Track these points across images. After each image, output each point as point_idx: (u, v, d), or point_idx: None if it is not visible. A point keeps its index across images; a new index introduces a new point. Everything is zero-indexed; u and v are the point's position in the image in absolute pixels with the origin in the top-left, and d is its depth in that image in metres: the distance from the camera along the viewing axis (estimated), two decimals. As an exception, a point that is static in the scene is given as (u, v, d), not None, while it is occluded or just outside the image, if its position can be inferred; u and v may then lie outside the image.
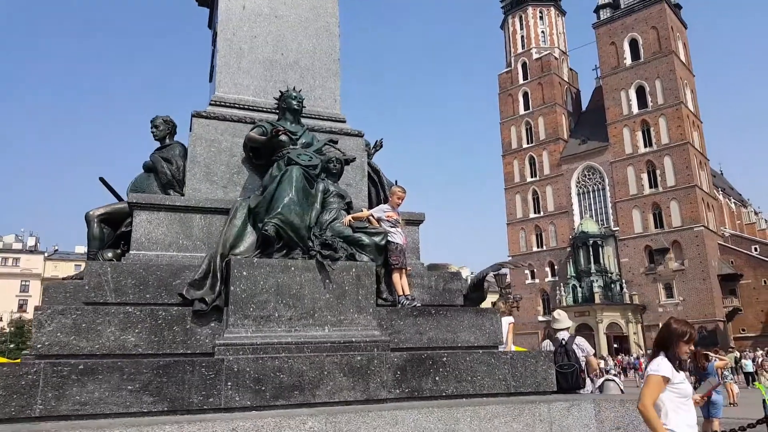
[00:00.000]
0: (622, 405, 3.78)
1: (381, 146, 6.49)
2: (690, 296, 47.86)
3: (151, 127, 5.46)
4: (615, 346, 46.72)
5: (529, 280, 56.87)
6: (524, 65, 60.76)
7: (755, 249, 53.55)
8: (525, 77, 60.47)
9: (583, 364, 5.07)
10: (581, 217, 53.88)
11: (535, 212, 57.65)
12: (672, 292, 49.07)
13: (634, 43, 54.07)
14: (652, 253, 50.26)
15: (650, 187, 51.20)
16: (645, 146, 51.89)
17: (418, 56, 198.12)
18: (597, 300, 48.69)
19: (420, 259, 5.59)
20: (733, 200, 67.11)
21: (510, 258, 58.89)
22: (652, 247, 50.14)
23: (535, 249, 56.95)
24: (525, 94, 60.17)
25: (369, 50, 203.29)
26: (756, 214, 74.75)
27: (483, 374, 4.05)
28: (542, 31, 61.10)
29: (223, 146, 4.87)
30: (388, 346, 3.94)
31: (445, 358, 3.99)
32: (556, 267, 54.93)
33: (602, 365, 34.31)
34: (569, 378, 4.62)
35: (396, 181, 6.16)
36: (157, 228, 4.33)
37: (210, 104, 5.09)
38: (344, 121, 5.42)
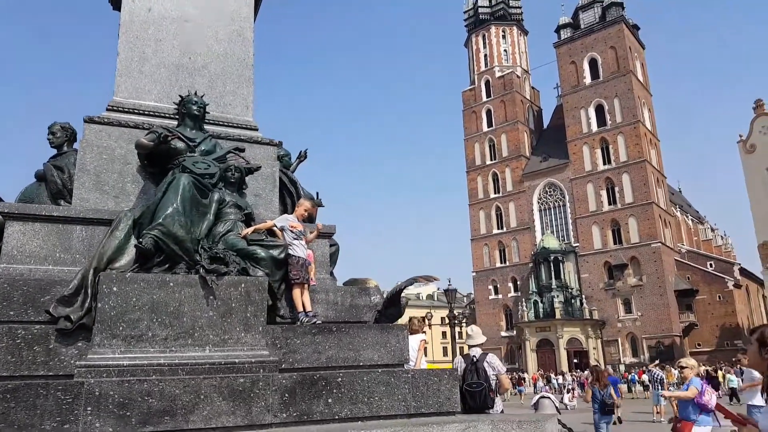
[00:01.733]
0: (520, 426, 3.59)
1: (305, 157, 6.28)
2: (648, 311, 48.88)
3: (48, 134, 5.16)
4: (575, 361, 47.24)
5: (493, 296, 57.29)
6: (487, 83, 61.90)
7: (710, 265, 55.18)
8: (488, 95, 61.58)
9: (493, 382, 4.89)
10: (543, 233, 54.72)
11: (498, 228, 58.31)
12: (630, 307, 50.04)
13: (593, 63, 55.70)
14: (611, 269, 51.28)
15: (609, 203, 52.43)
16: (604, 163, 53.23)
17: (384, 71, 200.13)
18: (558, 315, 49.29)
19: (332, 273, 5.37)
20: (690, 217, 69.22)
21: (474, 274, 59.31)
22: (611, 262, 51.18)
23: (498, 264, 57.47)
24: (488, 112, 61.21)
25: (333, 65, 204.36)
26: (712, 230, 77.19)
27: (381, 395, 3.81)
28: (505, 50, 62.45)
29: (116, 154, 4.57)
30: (276, 367, 3.67)
31: (339, 379, 3.74)
32: (518, 282, 55.47)
33: (561, 380, 34.52)
34: (477, 397, 4.42)
35: (317, 194, 5.95)
36: (32, 240, 3.99)
37: (106, 109, 4.80)
38: (256, 129, 5.18)
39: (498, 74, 61.22)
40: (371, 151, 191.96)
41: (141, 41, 5.04)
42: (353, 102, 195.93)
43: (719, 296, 50.74)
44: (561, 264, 51.70)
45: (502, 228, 58.09)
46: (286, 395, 3.55)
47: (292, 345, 3.90)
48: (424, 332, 5.70)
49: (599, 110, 54.43)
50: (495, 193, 59.04)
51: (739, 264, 55.73)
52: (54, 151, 5.19)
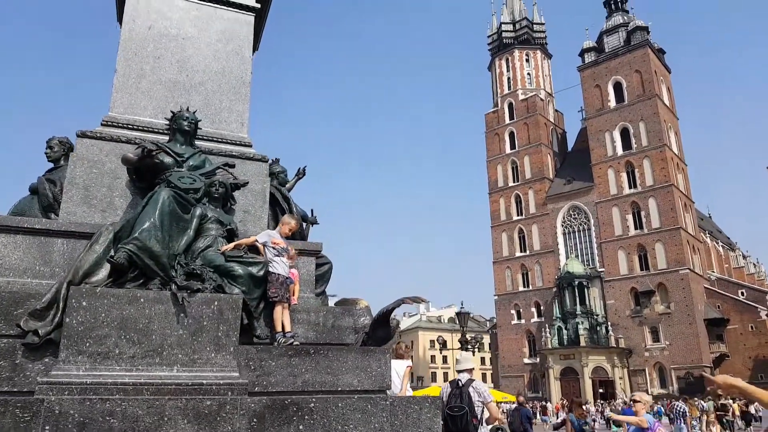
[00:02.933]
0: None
1: (303, 174, 6.23)
2: (676, 340, 47.26)
3: (46, 148, 5.22)
4: (600, 390, 45.71)
5: (515, 321, 56.21)
6: (510, 105, 61.80)
7: (742, 293, 53.20)
8: (511, 117, 61.43)
9: (478, 409, 4.68)
10: (567, 257, 53.68)
11: (521, 251, 57.48)
12: (658, 335, 48.48)
13: (618, 86, 55.17)
14: (637, 296, 49.90)
15: (635, 228, 51.28)
16: (630, 187, 52.26)
17: (408, 94, 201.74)
18: (582, 342, 47.96)
19: (324, 292, 5.25)
20: (721, 243, 67.19)
21: (496, 297, 58.36)
22: (637, 289, 49.82)
23: (521, 288, 56.49)
24: (511, 134, 60.96)
25: (358, 90, 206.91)
26: (744, 258, 74.81)
27: (356, 423, 3.64)
28: (528, 73, 62.41)
29: (106, 168, 4.58)
30: (245, 390, 3.54)
31: (312, 404, 3.58)
32: (542, 307, 54.35)
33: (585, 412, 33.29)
34: (458, 421, 4.23)
35: (312, 211, 5.87)
36: (13, 252, 3.98)
37: (101, 124, 4.84)
38: (249, 146, 5.16)
39: (521, 97, 61.14)
40: (395, 173, 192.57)
41: (139, 58, 5.10)
42: (375, 123, 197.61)
43: (752, 326, 48.79)
44: (586, 289, 50.51)
45: (525, 251, 57.24)
46: (255, 420, 3.40)
47: (267, 367, 3.77)
48: (410, 357, 5.51)
49: (624, 134, 53.69)
50: (518, 215, 58.40)
51: (773, 293, 53.65)
52: (51, 165, 5.24)
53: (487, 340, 73.48)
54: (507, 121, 61.69)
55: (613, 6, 60.36)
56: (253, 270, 3.92)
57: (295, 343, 3.95)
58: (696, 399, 32.26)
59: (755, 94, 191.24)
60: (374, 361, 4.09)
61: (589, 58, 58.32)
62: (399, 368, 5.19)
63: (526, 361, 54.23)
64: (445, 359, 68.65)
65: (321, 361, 3.91)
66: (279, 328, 3.91)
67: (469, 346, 16.69)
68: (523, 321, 55.65)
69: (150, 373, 3.42)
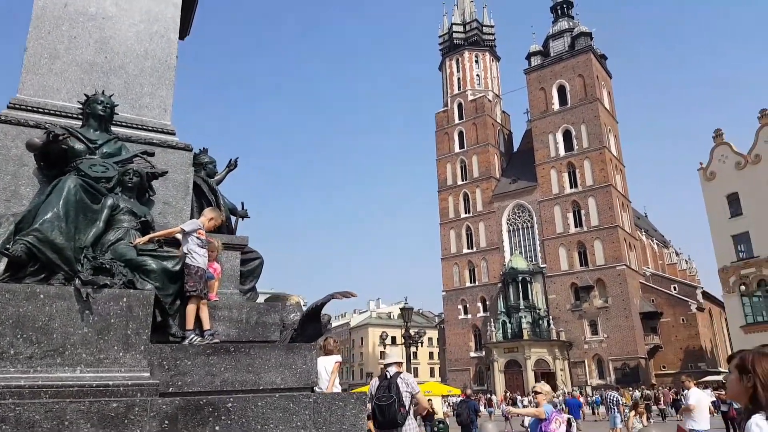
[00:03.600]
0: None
1: (235, 166, 6.01)
2: (614, 333, 49.36)
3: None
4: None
5: (462, 315, 57.20)
6: (460, 106, 62.78)
7: (674, 288, 56.16)
8: (461, 117, 62.42)
9: (406, 400, 4.68)
10: (512, 254, 55.07)
11: (468, 248, 58.53)
12: (597, 328, 50.49)
13: (562, 90, 56.98)
14: (577, 290, 51.81)
15: (576, 226, 53.19)
16: (571, 187, 54.13)
17: (360, 91, 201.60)
18: (525, 336, 49.37)
19: (254, 287, 5.07)
20: (655, 241, 70.62)
21: (444, 293, 59.20)
22: (577, 284, 51.72)
23: (468, 284, 57.54)
24: (460, 133, 61.95)
25: (311, 83, 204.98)
26: (677, 255, 78.88)
27: (277, 422, 3.50)
28: (477, 74, 63.54)
29: (11, 154, 4.22)
30: (156, 391, 3.33)
31: (230, 404, 3.41)
32: (487, 303, 55.54)
33: (527, 402, 34.27)
34: (386, 411, 4.21)
35: (242, 204, 5.67)
36: None
37: (7, 107, 4.46)
38: (173, 133, 4.89)
39: (470, 97, 62.21)
40: (344, 171, 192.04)
41: (53, 37, 4.73)
42: (327, 118, 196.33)
43: (683, 319, 51.61)
44: (529, 285, 52.00)
45: (472, 248, 58.35)
46: (166, 422, 3.20)
47: (182, 366, 3.56)
48: (339, 352, 5.42)
49: (567, 135, 55.55)
50: (465, 213, 59.43)
51: (702, 287, 56.95)
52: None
53: (435, 335, 74.58)
54: (456, 120, 62.63)
55: (559, 11, 62.25)
56: (168, 264, 3.70)
57: (214, 341, 3.77)
58: (630, 389, 33.77)
59: (689, 98, 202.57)
60: (299, 358, 3.96)
61: (536, 61, 59.95)
62: (328, 364, 5.09)
63: (472, 354, 55.32)
64: (409, 356, 69.07)
65: (242, 360, 3.75)
66: (191, 326, 3.71)
67: (413, 341, 16.81)
68: (469, 316, 56.73)
69: (50, 375, 3.16)
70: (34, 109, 4.48)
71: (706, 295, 55.69)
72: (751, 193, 38.35)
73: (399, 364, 5.54)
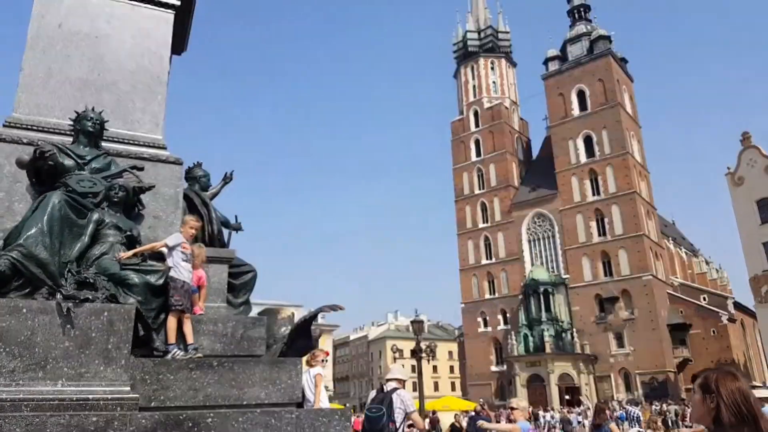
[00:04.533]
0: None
1: (231, 179, 6.04)
2: (640, 346, 48.06)
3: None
4: (567, 397, 46.09)
5: (482, 328, 56.45)
6: (476, 113, 62.52)
7: (704, 298, 54.47)
8: (477, 125, 62.12)
9: (398, 416, 4.62)
10: (532, 264, 54.29)
11: (487, 258, 57.90)
12: (623, 341, 49.25)
13: (581, 95, 56.28)
14: (602, 302, 50.67)
15: (599, 235, 52.19)
16: (593, 195, 53.23)
17: (374, 100, 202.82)
18: (548, 349, 48.37)
19: (248, 300, 5.07)
20: (684, 250, 68.84)
21: (462, 305, 58.60)
22: (602, 295, 50.61)
23: (487, 296, 56.84)
24: (477, 142, 61.62)
25: (324, 91, 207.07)
26: (707, 263, 76.58)
27: (259, 438, 3.46)
28: (493, 82, 63.26)
29: (5, 171, 4.31)
30: (136, 405, 3.32)
31: (210, 420, 3.39)
32: (508, 315, 54.73)
33: (549, 417, 33.54)
34: (374, 422, 4.15)
35: (236, 217, 5.69)
36: None
37: (3, 125, 4.57)
38: (163, 148, 4.95)
39: (486, 105, 61.89)
40: (360, 182, 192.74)
41: (48, 57, 4.85)
42: (342, 130, 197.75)
43: (713, 331, 49.93)
44: (551, 296, 51.09)
45: (490, 258, 57.68)
46: (145, 437, 3.20)
47: (165, 381, 3.56)
48: (324, 365, 5.36)
49: (588, 141, 54.76)
50: (483, 223, 58.87)
51: (733, 298, 55.19)
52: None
53: (455, 348, 73.76)
54: (472, 129, 62.34)
55: (576, 15, 61.58)
56: (151, 279, 3.72)
57: (197, 355, 3.76)
58: (655, 404, 32.73)
59: (714, 100, 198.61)
60: (284, 373, 3.92)
61: (553, 66, 59.39)
62: (311, 378, 5.04)
63: (494, 368, 54.46)
64: (413, 368, 68.45)
65: (225, 374, 3.73)
66: (174, 340, 3.70)
67: (424, 354, 16.61)
68: (489, 329, 55.94)
69: (31, 389, 3.19)
70: (29, 127, 4.58)
71: (738, 306, 53.93)
72: (782, 198, 37.30)
73: (400, 380, 5.49)
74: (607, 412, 9.08)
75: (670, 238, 63.27)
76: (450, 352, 78.88)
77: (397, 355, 20.80)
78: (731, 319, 50.48)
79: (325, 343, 69.30)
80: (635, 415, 16.97)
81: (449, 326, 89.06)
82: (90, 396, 3.24)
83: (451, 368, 78.28)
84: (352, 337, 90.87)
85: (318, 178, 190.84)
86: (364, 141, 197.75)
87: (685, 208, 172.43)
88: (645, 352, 47.53)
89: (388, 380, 5.38)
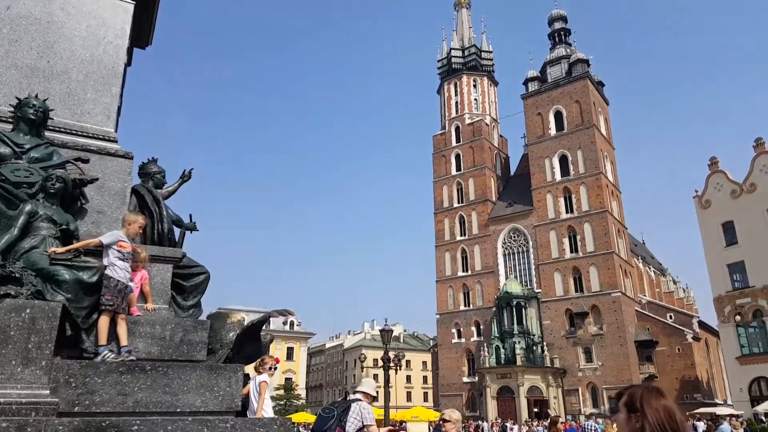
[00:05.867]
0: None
1: (189, 177, 5.83)
2: (608, 361, 48.62)
3: None
4: (535, 410, 46.32)
5: (456, 339, 56.49)
6: (457, 129, 63.11)
7: (670, 317, 55.39)
8: (458, 140, 62.68)
9: (351, 425, 4.51)
10: (506, 278, 54.65)
11: (463, 270, 58.13)
12: (591, 356, 49.75)
13: (558, 115, 57.23)
14: (572, 317, 51.19)
15: (571, 251, 52.84)
16: (567, 212, 53.95)
17: (359, 113, 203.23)
18: (519, 362, 48.59)
19: (199, 303, 4.87)
20: (652, 269, 70.08)
21: (438, 316, 58.63)
22: (572, 310, 51.15)
23: (462, 307, 56.98)
24: (457, 156, 62.13)
25: (309, 104, 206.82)
26: (675, 283, 78.11)
27: (188, 448, 3.26)
28: (475, 99, 64.00)
29: (-65, 158, 4.06)
30: (54, 411, 3.10)
31: (135, 427, 3.19)
32: (481, 327, 54.92)
33: (516, 430, 33.63)
34: (322, 423, 4.06)
35: (190, 217, 5.49)
36: None
37: (-63, 110, 4.32)
38: (114, 141, 4.75)
39: (468, 121, 62.56)
40: (341, 191, 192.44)
41: None
42: (322, 140, 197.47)
43: (678, 348, 50.78)
44: (523, 309, 51.43)
45: (467, 270, 57.94)
46: (61, 444, 2.98)
47: (92, 385, 3.34)
48: (271, 372, 5.17)
49: (563, 161, 55.60)
50: (461, 236, 59.17)
51: (698, 317, 56.29)
52: None
53: (429, 358, 73.66)
54: (454, 143, 62.88)
55: (556, 38, 62.98)
56: (84, 276, 3.50)
57: (129, 358, 3.55)
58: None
59: (686, 125, 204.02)
60: (223, 380, 3.73)
61: (533, 86, 60.38)
62: (254, 385, 4.86)
63: (465, 379, 54.49)
64: (389, 379, 68.08)
65: (159, 379, 3.52)
66: (104, 341, 3.49)
67: (391, 364, 16.44)
68: (463, 340, 56.04)
69: (-67, 391, 2.95)
70: (-34, 112, 4.34)
71: (703, 325, 55.04)
72: (747, 222, 38.19)
73: (367, 395, 5.36)
74: (560, 425, 9.08)
75: (640, 257, 64.40)
76: (424, 362, 78.76)
77: (364, 364, 20.53)
78: (696, 338, 51.47)
79: (300, 351, 68.63)
80: (593, 429, 16.90)
81: (424, 336, 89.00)
82: (1, 399, 3.01)
83: (425, 378, 78.14)
84: (327, 345, 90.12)
85: (298, 186, 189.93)
86: (347, 151, 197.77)
87: (654, 228, 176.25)
88: (612, 367, 48.10)
89: (355, 391, 5.30)
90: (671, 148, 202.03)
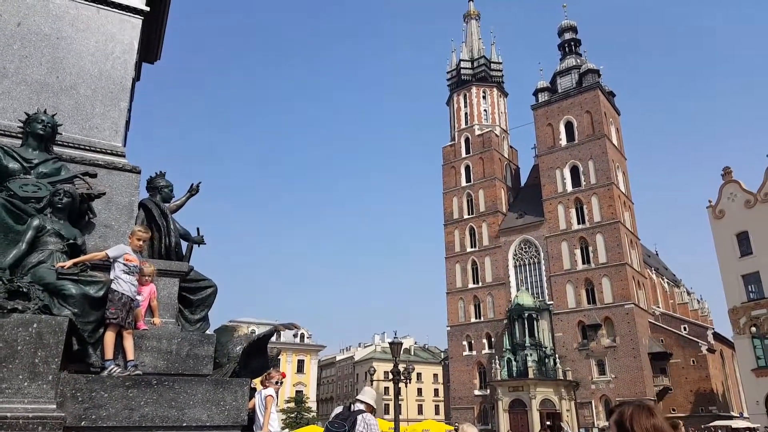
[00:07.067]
0: None
1: (197, 191, 5.85)
2: (621, 374, 47.93)
3: None
4: (548, 423, 45.64)
5: (467, 352, 56.01)
6: (467, 140, 63.11)
7: (684, 328, 54.57)
8: (468, 151, 62.65)
9: None
10: (518, 290, 54.21)
11: (474, 282, 57.78)
12: (604, 368, 49.09)
13: (569, 126, 57.05)
14: (585, 329, 50.62)
15: (583, 262, 52.37)
16: (578, 223, 53.56)
17: (368, 126, 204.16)
18: (531, 375, 48.04)
19: (206, 317, 4.86)
20: (666, 280, 69.22)
21: (448, 328, 58.22)
22: (585, 322, 50.58)
23: (473, 320, 56.56)
24: (467, 168, 62.06)
25: (319, 114, 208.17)
26: (689, 294, 77.03)
27: (193, 464, 3.24)
28: (485, 110, 64.03)
29: (-54, 174, 4.11)
30: (60, 425, 3.09)
31: (141, 442, 3.17)
32: (493, 339, 54.43)
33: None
34: None
35: (198, 230, 5.49)
36: None
37: (-51, 126, 4.38)
38: (122, 155, 4.78)
39: (477, 132, 62.53)
40: (351, 203, 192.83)
41: (3, 56, 4.68)
42: (331, 152, 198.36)
43: (693, 361, 49.97)
44: (535, 322, 50.94)
45: (477, 282, 57.57)
46: (66, 459, 2.97)
47: (98, 399, 3.33)
48: (278, 386, 5.14)
49: (574, 171, 55.32)
50: (471, 247, 58.89)
51: (713, 328, 55.41)
52: None
53: (441, 371, 73.03)
54: (463, 155, 62.83)
55: (566, 49, 62.91)
56: (90, 290, 3.51)
57: (135, 372, 3.54)
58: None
59: (699, 135, 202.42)
60: (229, 394, 3.71)
61: (543, 97, 60.30)
62: (260, 400, 4.84)
63: (477, 392, 53.91)
64: (399, 391, 67.60)
65: (165, 394, 3.51)
66: (111, 355, 3.48)
67: (401, 377, 16.29)
68: (474, 352, 55.54)
69: (-59, 406, 2.96)
70: (-23, 127, 4.39)
71: (718, 337, 54.15)
72: (761, 232, 37.64)
73: (368, 405, 5.37)
74: None
75: (653, 268, 63.67)
76: (435, 375, 78.10)
77: (374, 376, 20.39)
78: (711, 350, 50.62)
79: (311, 363, 68.44)
80: None
81: (435, 349, 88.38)
82: (8, 414, 3.01)
83: (436, 391, 77.41)
84: (338, 358, 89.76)
85: (306, 199, 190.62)
86: (357, 163, 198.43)
87: (668, 239, 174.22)
88: (626, 379, 47.39)
89: (356, 401, 5.30)
90: (684, 158, 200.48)
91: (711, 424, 37.23)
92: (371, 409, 5.37)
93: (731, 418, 43.29)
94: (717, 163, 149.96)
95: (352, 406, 5.33)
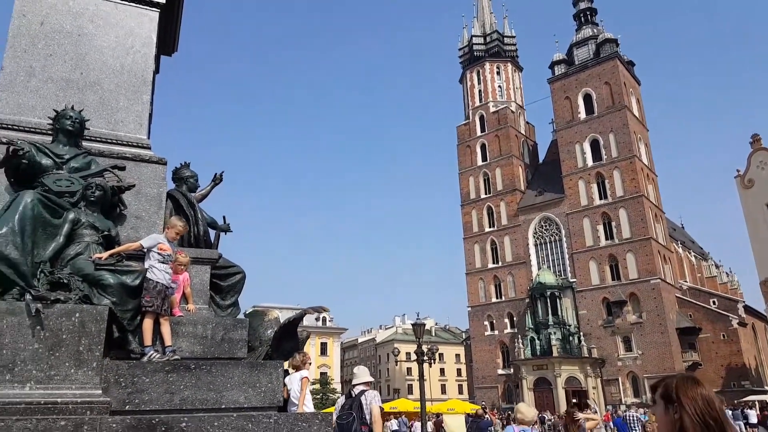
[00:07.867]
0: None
1: (221, 180, 5.95)
2: (648, 350, 47.55)
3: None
4: (574, 400, 45.60)
5: (488, 332, 56.09)
6: (482, 118, 62.26)
7: (713, 302, 53.63)
8: (483, 129, 61.86)
9: (368, 415, 4.56)
10: (539, 268, 53.89)
11: (493, 262, 57.56)
12: (631, 345, 48.73)
13: (588, 98, 55.91)
14: (609, 306, 50.17)
15: (606, 238, 51.73)
16: (600, 198, 52.79)
17: (380, 107, 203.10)
18: (555, 353, 47.96)
19: (236, 302, 4.98)
20: (693, 253, 68.03)
21: (469, 309, 58.31)
22: (609, 299, 50.13)
23: (494, 300, 56.49)
24: (483, 146, 61.35)
25: (330, 97, 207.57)
26: (717, 267, 75.66)
27: (234, 443, 3.35)
28: (499, 86, 63.00)
29: (-18, 172, 4.24)
30: (107, 409, 3.22)
31: (184, 424, 3.29)
32: (515, 318, 54.36)
33: (555, 420, 33.19)
34: (346, 429, 4.09)
35: (224, 218, 5.59)
36: None
37: (-17, 126, 4.50)
38: (147, 148, 4.87)
39: (492, 109, 61.61)
40: (366, 186, 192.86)
41: (29, 55, 4.79)
42: (347, 136, 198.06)
43: (723, 335, 49.18)
44: (558, 300, 50.67)
45: (497, 262, 57.31)
46: (115, 441, 3.10)
47: (140, 384, 3.46)
48: (308, 368, 5.26)
49: (594, 145, 54.35)
50: (490, 227, 58.54)
51: (744, 302, 54.41)
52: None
53: (462, 351, 73.36)
54: (478, 133, 62.10)
55: (582, 19, 61.25)
56: (127, 279, 3.62)
57: (174, 357, 3.66)
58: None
59: (723, 102, 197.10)
60: (264, 376, 3.81)
61: (559, 70, 59.05)
62: (296, 381, 4.95)
63: (500, 372, 54.09)
64: (422, 373, 68.22)
65: (203, 377, 3.63)
66: (149, 342, 3.60)
67: (426, 358, 16.48)
68: (496, 332, 55.58)
69: (-3, 392, 3.10)
70: (9, 126, 4.51)
71: (749, 310, 53.19)
72: (791, 201, 36.83)
73: (367, 383, 5.49)
74: (566, 417, 8.90)
75: (679, 242, 62.58)
76: (457, 355, 78.53)
77: (398, 357, 20.58)
78: (742, 323, 49.80)
79: (334, 346, 69.27)
80: (635, 419, 16.25)
81: (456, 329, 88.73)
82: (59, 399, 3.15)
83: (459, 371, 77.88)
84: (360, 340, 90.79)
85: (325, 184, 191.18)
86: (371, 146, 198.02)
87: (694, 211, 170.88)
88: (653, 356, 46.99)
89: (354, 385, 5.36)
90: (709, 127, 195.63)
91: (744, 399, 36.74)
92: (370, 385, 5.54)
93: (765, 392, 42.75)
94: (744, 130, 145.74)
95: (352, 392, 5.40)
